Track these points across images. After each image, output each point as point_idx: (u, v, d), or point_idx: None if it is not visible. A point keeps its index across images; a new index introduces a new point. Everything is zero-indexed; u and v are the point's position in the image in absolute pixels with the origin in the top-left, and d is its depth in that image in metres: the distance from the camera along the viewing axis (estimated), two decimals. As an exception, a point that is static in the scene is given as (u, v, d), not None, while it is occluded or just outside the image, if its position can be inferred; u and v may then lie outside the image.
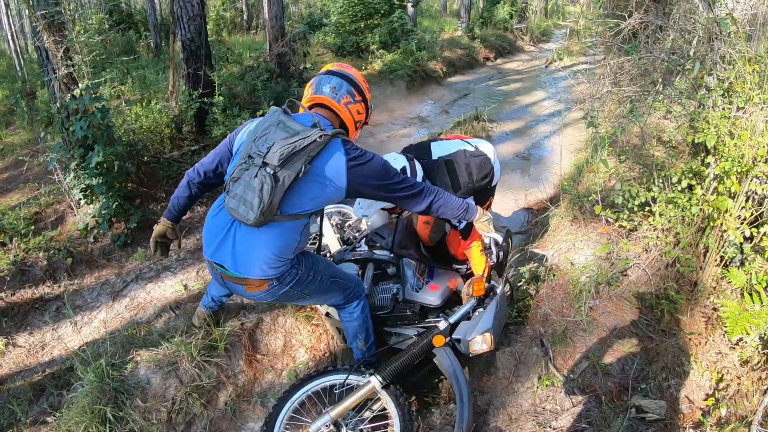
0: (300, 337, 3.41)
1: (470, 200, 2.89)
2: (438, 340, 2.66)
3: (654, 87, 3.92)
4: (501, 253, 2.92)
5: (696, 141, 2.97)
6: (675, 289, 3.11)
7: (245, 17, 17.13)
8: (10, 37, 15.32)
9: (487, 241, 2.80)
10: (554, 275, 3.57)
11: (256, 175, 2.13)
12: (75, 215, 4.72)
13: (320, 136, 2.15)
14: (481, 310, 2.75)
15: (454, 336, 2.72)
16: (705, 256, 3.14)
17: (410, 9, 12.74)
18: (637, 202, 3.31)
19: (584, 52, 12.27)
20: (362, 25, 11.50)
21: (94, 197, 4.50)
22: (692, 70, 3.10)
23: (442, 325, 2.73)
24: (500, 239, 2.80)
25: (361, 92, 2.49)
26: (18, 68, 14.18)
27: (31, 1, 4.43)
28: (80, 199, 4.54)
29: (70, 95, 4.33)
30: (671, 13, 4.55)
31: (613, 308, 3.19)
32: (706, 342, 2.94)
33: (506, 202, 5.14)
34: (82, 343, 3.54)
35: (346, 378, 2.62)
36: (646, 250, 3.38)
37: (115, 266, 4.34)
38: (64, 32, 4.55)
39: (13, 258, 4.17)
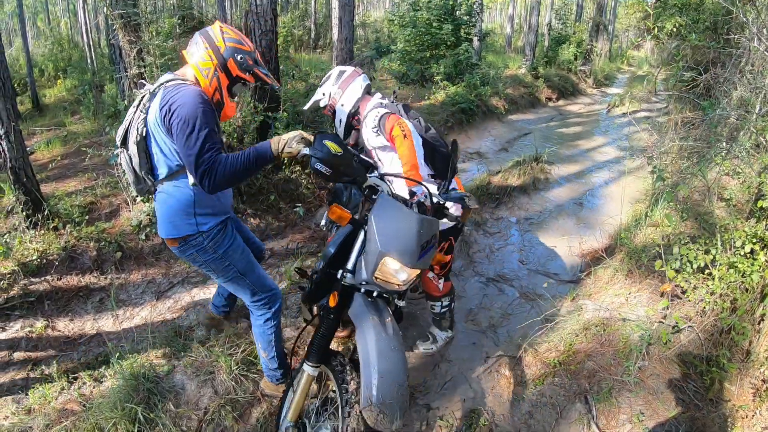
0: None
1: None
2: (331, 300, 2.31)
3: (720, 143, 3.81)
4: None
5: (764, 206, 2.83)
6: (727, 357, 2.95)
7: (313, 36, 17.50)
8: (84, 31, 16.03)
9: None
10: (605, 330, 3.44)
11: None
12: (130, 211, 4.82)
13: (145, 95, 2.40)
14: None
15: (355, 282, 2.28)
16: (761, 324, 2.98)
17: (476, 42, 12.75)
18: (695, 266, 3.17)
19: (647, 99, 12.04)
20: (428, 55, 11.51)
21: (150, 196, 4.56)
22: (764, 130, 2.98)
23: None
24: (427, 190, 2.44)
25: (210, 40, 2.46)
26: (89, 61, 14.81)
27: (110, 0, 4.58)
28: (137, 196, 4.62)
29: (139, 94, 4.45)
30: (740, 65, 4.42)
31: (662, 371, 3.04)
32: (753, 415, 2.77)
33: (560, 248, 5.03)
34: (121, 337, 3.57)
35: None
36: (701, 313, 3.22)
37: (163, 266, 4.40)
38: (139, 33, 4.70)
39: (64, 244, 4.27)
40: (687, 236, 3.49)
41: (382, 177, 2.44)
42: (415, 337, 3.65)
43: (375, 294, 2.32)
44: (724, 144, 3.77)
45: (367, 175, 2.34)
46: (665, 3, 8.92)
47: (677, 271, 3.24)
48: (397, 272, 2.14)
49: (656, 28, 3.88)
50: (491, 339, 3.65)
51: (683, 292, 3.34)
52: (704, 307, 3.17)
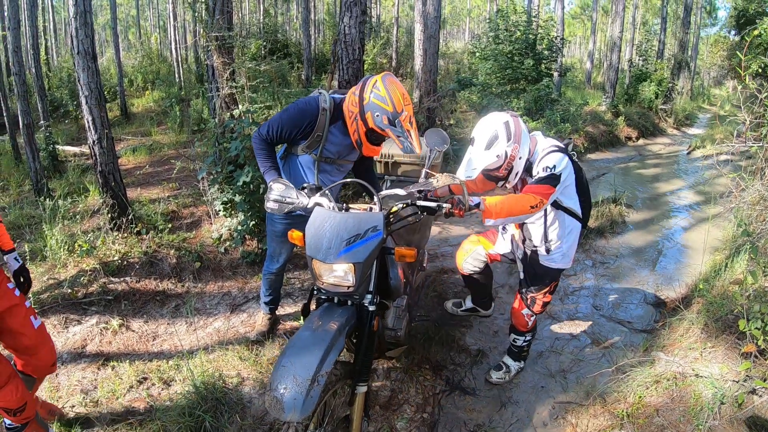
0: (406, 395, 3.34)
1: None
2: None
3: None
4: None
5: None
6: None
7: (394, 64, 17.84)
8: (173, 47, 16.96)
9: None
10: (676, 384, 3.30)
11: None
12: (211, 224, 5.02)
13: None
14: None
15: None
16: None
17: (556, 77, 12.64)
18: (774, 325, 3.01)
19: (729, 140, 11.55)
20: (508, 89, 11.51)
21: (233, 212, 4.77)
22: None
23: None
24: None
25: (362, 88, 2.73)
26: (176, 75, 15.63)
27: (206, 22, 4.82)
28: (219, 210, 4.82)
29: (229, 114, 4.65)
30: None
31: (732, 432, 2.89)
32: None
33: (635, 296, 4.87)
34: (194, 345, 3.68)
35: None
36: (778, 376, 3.05)
37: (240, 280, 4.52)
38: (232, 55, 4.92)
39: (146, 249, 4.49)
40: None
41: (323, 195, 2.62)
42: (488, 367, 3.64)
43: (337, 300, 2.47)
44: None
45: (313, 198, 2.56)
46: (751, 43, 8.59)
47: (759, 330, 3.09)
48: (325, 271, 2.33)
49: (743, 70, 3.75)
50: (560, 384, 3.56)
51: (761, 352, 3.18)
52: (781, 369, 3.02)
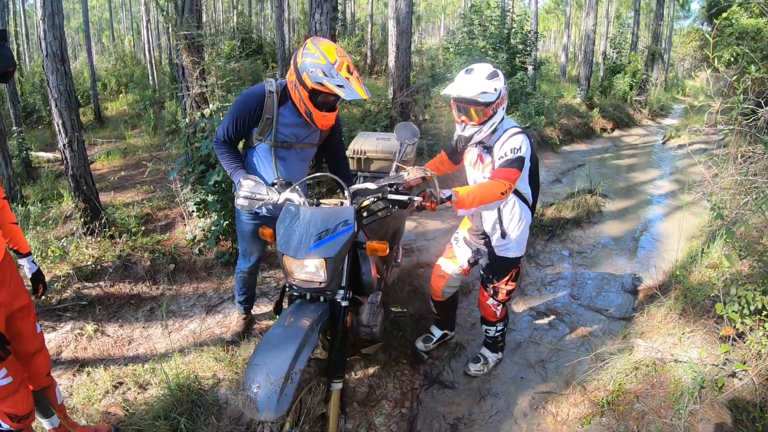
0: (384, 390, 3.31)
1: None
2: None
3: None
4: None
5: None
6: (782, 403, 2.81)
7: (369, 61, 17.81)
8: (147, 49, 16.75)
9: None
10: (656, 370, 3.32)
11: None
12: (185, 225, 4.96)
13: None
14: None
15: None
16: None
17: (531, 71, 12.71)
18: (752, 308, 3.04)
19: (703, 131, 11.72)
20: (483, 83, 11.54)
21: (206, 212, 4.71)
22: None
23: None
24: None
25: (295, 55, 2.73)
26: (150, 78, 15.44)
27: (175, 21, 4.75)
28: (193, 211, 4.77)
29: (200, 113, 4.59)
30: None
31: (713, 416, 2.92)
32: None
33: (613, 284, 4.91)
34: (169, 347, 3.63)
35: None
36: (756, 357, 3.08)
37: (215, 281, 4.47)
38: (202, 54, 4.86)
39: (119, 252, 4.42)
40: (744, 276, 3.36)
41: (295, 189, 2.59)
42: (466, 359, 3.64)
43: (309, 297, 2.45)
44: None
45: (283, 194, 2.55)
46: (722, 31, 8.72)
47: (736, 313, 3.12)
48: (296, 267, 2.30)
49: (714, 59, 3.78)
50: (539, 374, 3.57)
51: (739, 335, 3.22)
52: (760, 350, 3.05)
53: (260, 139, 2.89)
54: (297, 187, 2.55)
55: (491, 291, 3.27)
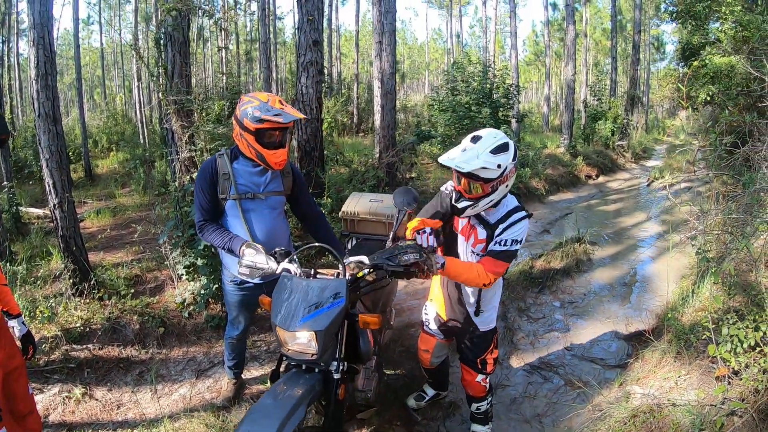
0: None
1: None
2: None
3: (764, 209, 3.74)
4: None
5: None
6: (782, 438, 2.78)
7: (355, 120, 18.10)
8: (138, 108, 16.99)
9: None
10: (654, 417, 3.29)
11: None
12: (174, 288, 4.92)
13: None
14: None
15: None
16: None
17: (514, 124, 12.93)
18: (745, 345, 3.05)
19: (686, 170, 11.95)
20: (468, 138, 11.71)
21: (196, 276, 4.68)
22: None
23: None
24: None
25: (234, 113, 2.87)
26: (141, 136, 15.59)
27: (165, 86, 4.85)
28: (182, 274, 4.74)
29: (189, 177, 4.63)
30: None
31: (716, 457, 2.87)
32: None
33: (606, 332, 4.90)
34: (159, 413, 3.56)
35: None
36: (755, 393, 3.07)
37: (205, 345, 4.42)
38: (192, 118, 4.94)
39: (108, 314, 4.38)
40: (735, 314, 3.38)
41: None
42: (461, 419, 3.58)
43: (304, 367, 2.44)
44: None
45: (281, 264, 2.60)
46: (696, 72, 9.00)
47: (730, 353, 3.13)
48: (289, 338, 2.33)
49: (689, 106, 3.93)
50: (536, 429, 3.52)
51: (735, 373, 3.21)
52: (757, 387, 3.04)
53: (224, 197, 2.93)
54: (294, 256, 2.60)
55: (479, 366, 3.12)
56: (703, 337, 3.55)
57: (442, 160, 2.57)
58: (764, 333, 3.03)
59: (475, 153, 2.49)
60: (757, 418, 2.94)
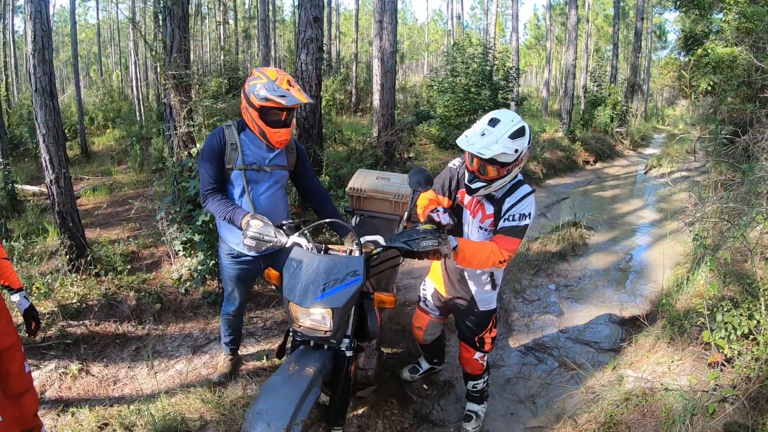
0: (374, 431, 3.25)
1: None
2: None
3: (761, 201, 3.75)
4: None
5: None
6: (773, 425, 2.82)
7: (353, 99, 18.01)
8: (134, 85, 16.87)
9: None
10: (646, 400, 3.32)
11: None
12: (171, 264, 4.91)
13: None
14: None
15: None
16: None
17: (513, 107, 12.88)
18: (739, 333, 3.08)
19: (684, 158, 11.96)
20: (466, 120, 11.62)
21: (193, 252, 4.67)
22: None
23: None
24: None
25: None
26: (137, 113, 15.49)
27: (164, 61, 4.79)
28: (179, 250, 4.72)
29: (187, 153, 4.60)
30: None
31: (706, 442, 2.91)
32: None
33: (600, 316, 4.93)
34: (155, 388, 3.56)
35: None
36: (746, 380, 3.10)
37: (201, 321, 4.41)
38: (190, 93, 4.89)
39: (105, 291, 4.36)
40: (730, 302, 3.40)
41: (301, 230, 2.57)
42: (455, 397, 3.62)
43: (313, 343, 2.42)
44: (765, 203, 3.72)
45: (291, 237, 2.54)
46: (698, 61, 8.98)
47: (724, 339, 3.16)
48: (302, 314, 2.28)
49: (691, 93, 3.91)
50: (529, 410, 3.55)
51: (728, 360, 3.24)
52: (749, 374, 3.07)
53: (230, 167, 2.91)
54: (306, 231, 2.54)
55: (477, 344, 3.15)
56: (698, 323, 3.58)
57: (461, 143, 2.57)
58: (758, 322, 3.05)
59: (494, 138, 2.50)
60: (748, 405, 2.97)
